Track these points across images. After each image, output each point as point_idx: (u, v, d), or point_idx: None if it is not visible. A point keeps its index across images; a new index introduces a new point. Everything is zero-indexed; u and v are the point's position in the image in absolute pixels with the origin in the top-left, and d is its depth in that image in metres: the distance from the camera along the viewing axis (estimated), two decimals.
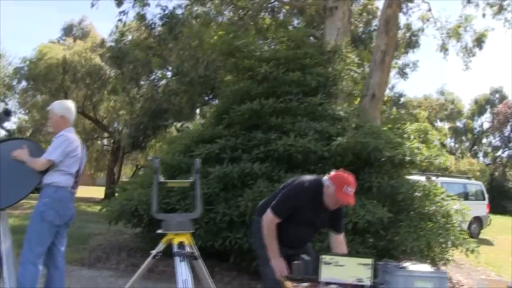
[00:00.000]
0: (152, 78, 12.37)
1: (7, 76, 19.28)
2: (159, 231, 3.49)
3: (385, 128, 7.17)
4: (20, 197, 3.68)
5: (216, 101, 10.64)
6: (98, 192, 23.77)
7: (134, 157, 24.44)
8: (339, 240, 3.32)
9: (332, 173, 3.16)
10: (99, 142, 23.90)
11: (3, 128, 4.17)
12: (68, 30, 32.34)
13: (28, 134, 28.15)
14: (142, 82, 14.17)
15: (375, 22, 14.68)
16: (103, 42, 19.79)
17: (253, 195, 5.59)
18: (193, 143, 7.02)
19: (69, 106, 3.95)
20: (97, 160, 23.07)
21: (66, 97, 19.17)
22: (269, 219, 3.14)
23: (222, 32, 8.13)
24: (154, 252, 3.45)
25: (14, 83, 19.39)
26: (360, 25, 15.23)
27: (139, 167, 21.53)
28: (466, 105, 40.36)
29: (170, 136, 9.37)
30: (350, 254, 3.45)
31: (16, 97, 20.45)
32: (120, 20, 11.82)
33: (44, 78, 17.76)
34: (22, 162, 3.66)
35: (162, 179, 3.90)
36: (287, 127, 6.37)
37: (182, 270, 3.21)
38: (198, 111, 14.56)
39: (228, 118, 6.87)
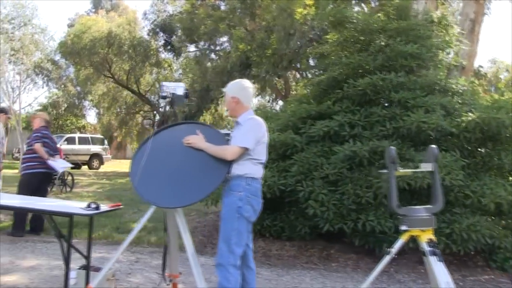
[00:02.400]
0: (222, 49, 11.77)
1: (52, 50, 19.00)
2: (403, 227, 3.15)
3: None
4: (206, 193, 3.26)
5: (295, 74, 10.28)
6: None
7: None
8: None
9: None
10: (142, 115, 23.70)
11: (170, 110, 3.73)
12: (96, 3, 32.03)
13: (62, 109, 28.17)
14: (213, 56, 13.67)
15: None
16: (145, 14, 19.59)
17: None
18: (298, 120, 6.75)
19: (245, 85, 3.46)
20: (139, 134, 22.94)
21: (110, 71, 19.01)
22: None
23: (312, 3, 7.70)
24: (393, 250, 3.13)
25: (57, 57, 19.13)
26: None
27: None
28: None
29: (263, 111, 9.04)
30: None
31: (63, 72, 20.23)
32: None
33: (89, 52, 17.44)
34: (198, 151, 3.30)
35: (400, 169, 3.39)
36: (411, 103, 6.04)
37: (442, 271, 2.93)
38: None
39: (339, 93, 6.55)
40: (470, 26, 9.03)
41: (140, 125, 22.90)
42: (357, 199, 5.56)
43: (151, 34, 19.29)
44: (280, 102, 19.83)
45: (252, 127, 3.30)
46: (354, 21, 6.76)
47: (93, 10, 30.85)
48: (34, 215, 6.33)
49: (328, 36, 7.78)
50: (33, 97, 36.23)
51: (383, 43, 6.43)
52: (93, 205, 3.54)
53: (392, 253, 3.15)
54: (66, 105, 27.22)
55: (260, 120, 3.40)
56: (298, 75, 15.15)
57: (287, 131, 6.58)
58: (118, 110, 20.29)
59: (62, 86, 24.82)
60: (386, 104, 6.30)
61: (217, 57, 11.68)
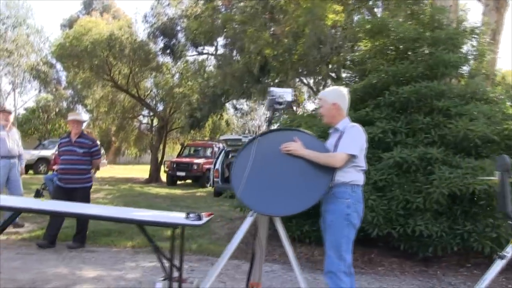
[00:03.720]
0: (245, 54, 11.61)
1: (48, 53, 18.63)
2: None
3: None
4: (313, 201, 3.21)
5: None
6: (139, 171, 23.35)
7: (175, 136, 24.18)
8: None
9: None
10: (140, 119, 23.45)
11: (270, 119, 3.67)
12: (87, 4, 31.59)
13: (53, 113, 27.68)
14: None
15: None
16: (145, 16, 19.44)
17: (442, 181, 5.40)
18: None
19: (343, 92, 3.50)
20: (136, 139, 22.69)
21: (110, 74, 18.78)
22: None
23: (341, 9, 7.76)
24: (509, 255, 3.16)
25: (54, 61, 18.76)
26: None
27: (184, 145, 21.18)
28: None
29: (297, 116, 9.05)
30: None
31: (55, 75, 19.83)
32: None
33: (90, 54, 17.19)
34: (298, 157, 3.29)
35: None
36: (453, 111, 6.14)
37: None
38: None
39: (380, 100, 6.62)
40: (491, 35, 9.19)
41: (138, 130, 22.66)
42: (406, 205, 5.63)
43: (151, 37, 19.13)
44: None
45: (356, 134, 3.34)
46: (393, 29, 6.82)
47: (84, 11, 30.48)
48: (78, 226, 6.19)
49: (361, 44, 7.85)
50: (22, 101, 35.14)
51: (427, 51, 6.50)
52: (192, 215, 3.46)
53: (508, 257, 3.18)
54: (57, 109, 26.82)
55: (361, 127, 3.43)
56: (310, 82, 15.24)
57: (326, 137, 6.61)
58: (116, 114, 19.99)
59: (54, 89, 24.45)
60: (427, 112, 6.37)
61: (236, 61, 11.63)
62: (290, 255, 3.31)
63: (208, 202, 12.42)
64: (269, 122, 3.47)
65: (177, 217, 3.49)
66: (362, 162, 3.35)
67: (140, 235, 6.78)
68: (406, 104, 6.46)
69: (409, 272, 5.63)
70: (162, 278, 3.64)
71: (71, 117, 6.41)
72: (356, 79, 7.68)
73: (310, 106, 18.35)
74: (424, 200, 5.55)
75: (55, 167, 8.89)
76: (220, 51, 19.23)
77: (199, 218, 3.42)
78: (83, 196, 6.07)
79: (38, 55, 18.54)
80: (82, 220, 5.99)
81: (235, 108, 18.14)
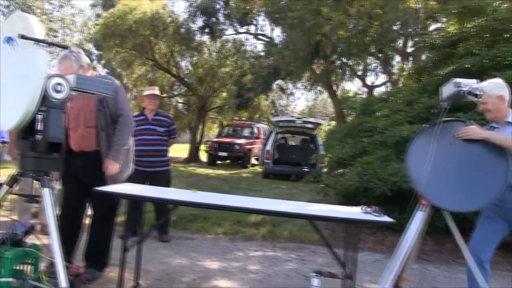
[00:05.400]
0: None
1: (95, 32, 18.54)
2: None
3: None
4: (496, 193, 3.03)
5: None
6: (176, 151, 23.21)
7: (213, 116, 24.11)
8: None
9: None
10: (177, 99, 23.40)
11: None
12: None
13: None
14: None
15: None
16: None
17: None
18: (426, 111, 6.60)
19: (503, 83, 3.32)
20: (175, 118, 22.64)
21: (152, 53, 18.65)
22: None
23: None
24: None
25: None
26: None
27: (224, 126, 21.10)
28: None
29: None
30: None
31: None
32: None
33: (134, 34, 17.05)
34: (474, 145, 3.15)
35: None
36: None
37: None
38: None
39: None
40: None
41: (174, 109, 22.59)
42: None
43: (191, 16, 18.89)
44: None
45: None
46: (491, 10, 6.53)
47: None
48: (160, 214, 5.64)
49: (447, 26, 7.56)
50: None
51: None
52: (369, 209, 3.25)
53: None
54: None
55: None
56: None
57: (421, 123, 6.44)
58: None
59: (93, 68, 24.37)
60: None
61: (302, 42, 11.35)
62: (464, 251, 3.18)
63: (262, 184, 12.37)
64: (442, 112, 3.27)
65: (354, 212, 3.29)
66: None
67: (227, 221, 6.82)
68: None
69: None
70: (315, 274, 3.50)
71: (148, 91, 5.74)
72: (439, 63, 7.40)
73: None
74: None
75: None
76: (264, 31, 19.05)
77: (379, 213, 3.20)
78: (165, 180, 5.59)
79: (83, 34, 18.47)
80: (164, 207, 5.38)
81: (281, 90, 17.91)
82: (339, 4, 10.65)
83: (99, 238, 3.87)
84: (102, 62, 21.61)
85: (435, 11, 10.08)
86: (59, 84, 2.72)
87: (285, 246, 5.90)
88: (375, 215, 3.14)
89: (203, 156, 20.20)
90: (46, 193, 2.71)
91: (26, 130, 2.82)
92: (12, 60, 2.82)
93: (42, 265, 3.13)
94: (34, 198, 2.88)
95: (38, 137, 2.79)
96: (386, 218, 3.09)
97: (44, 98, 2.65)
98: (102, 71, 23.34)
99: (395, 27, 9.89)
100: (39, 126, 2.77)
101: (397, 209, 6.22)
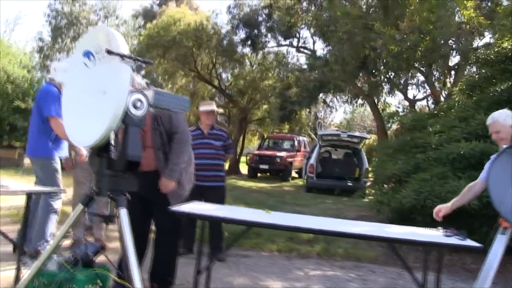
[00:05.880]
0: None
1: (138, 43, 18.91)
2: None
3: None
4: None
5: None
6: None
7: (254, 128, 24.13)
8: None
9: None
10: (217, 111, 23.48)
11: None
12: None
13: None
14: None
15: None
16: (229, 8, 19.34)
17: None
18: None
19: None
20: None
21: (195, 65, 18.80)
22: None
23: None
24: None
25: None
26: None
27: (264, 138, 21.03)
28: None
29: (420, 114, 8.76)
30: None
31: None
32: None
33: (178, 45, 17.25)
34: None
35: None
36: None
37: None
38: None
39: None
40: None
41: (215, 120, 22.63)
42: None
43: (234, 28, 19.01)
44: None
45: None
46: None
47: (157, 1, 30.78)
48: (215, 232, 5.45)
49: (499, 41, 7.28)
50: None
51: None
52: (449, 232, 3.09)
53: None
54: None
55: None
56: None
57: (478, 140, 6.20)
58: (196, 105, 20.11)
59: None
60: None
61: (349, 56, 11.23)
62: None
63: (307, 198, 12.17)
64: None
65: (434, 235, 3.13)
66: None
67: (279, 237, 6.64)
68: None
69: None
70: None
71: (206, 107, 5.66)
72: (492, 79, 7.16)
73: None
74: None
75: None
76: (306, 44, 19.01)
77: (462, 237, 3.02)
78: (220, 196, 5.44)
79: (128, 44, 18.75)
80: (219, 225, 5.34)
81: (324, 103, 17.74)
82: (388, 18, 10.47)
83: (164, 256, 3.77)
84: (142, 72, 21.93)
85: (483, 26, 9.83)
86: (139, 100, 2.62)
87: (342, 265, 5.70)
88: (460, 239, 3.01)
89: (244, 169, 20.14)
90: (123, 213, 2.60)
91: (101, 147, 2.73)
92: (88, 75, 2.74)
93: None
94: (110, 218, 2.78)
95: (113, 154, 2.70)
96: (471, 243, 2.98)
97: (124, 115, 2.56)
98: (142, 81, 23.71)
99: (447, 43, 9.63)
100: (112, 143, 2.69)
101: (458, 227, 5.99)
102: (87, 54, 2.77)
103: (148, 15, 25.99)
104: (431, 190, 6.03)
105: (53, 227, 4.52)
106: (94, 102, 2.63)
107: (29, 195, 3.63)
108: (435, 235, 3.15)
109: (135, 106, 2.62)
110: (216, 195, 5.31)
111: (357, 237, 3.47)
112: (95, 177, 2.75)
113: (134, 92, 2.63)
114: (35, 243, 4.31)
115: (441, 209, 3.51)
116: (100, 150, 2.75)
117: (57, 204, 4.57)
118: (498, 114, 3.51)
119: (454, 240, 3.01)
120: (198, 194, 5.06)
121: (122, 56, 2.44)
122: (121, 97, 2.47)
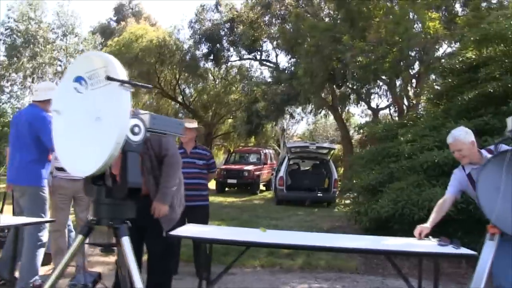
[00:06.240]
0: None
1: None
2: None
3: None
4: None
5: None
6: None
7: (219, 143, 24.02)
8: None
9: None
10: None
11: None
12: (118, 10, 31.47)
13: None
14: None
15: None
16: (191, 23, 19.34)
17: None
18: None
19: (468, 129, 3.67)
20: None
21: (158, 81, 18.64)
22: None
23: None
24: None
25: None
26: None
27: (231, 152, 20.95)
28: None
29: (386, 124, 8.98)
30: None
31: None
32: None
33: (139, 61, 17.07)
34: None
35: None
36: None
37: None
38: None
39: (499, 109, 6.37)
40: None
41: (179, 138, 22.45)
42: None
43: (196, 43, 18.99)
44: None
45: None
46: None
47: (115, 18, 30.42)
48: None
49: (465, 51, 7.59)
50: None
51: None
52: (442, 242, 3.18)
53: None
54: None
55: None
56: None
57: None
58: None
59: None
60: None
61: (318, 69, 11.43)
62: None
63: (279, 211, 12.17)
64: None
65: (429, 245, 3.21)
66: None
67: (260, 253, 6.62)
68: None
69: None
70: None
71: (189, 125, 5.51)
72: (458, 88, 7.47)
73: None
74: None
75: None
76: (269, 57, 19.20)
77: (457, 246, 3.13)
78: (204, 215, 5.38)
79: None
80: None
81: (291, 116, 18.03)
82: (354, 31, 10.73)
83: (159, 280, 3.69)
84: None
85: (443, 36, 10.23)
86: (136, 125, 2.58)
87: (326, 277, 5.73)
88: (454, 247, 3.12)
89: (210, 184, 19.96)
90: (125, 241, 2.54)
91: (98, 176, 2.66)
92: (79, 100, 2.66)
93: None
94: (110, 247, 2.70)
95: (109, 182, 2.64)
96: (466, 250, 3.11)
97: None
98: None
99: (412, 53, 10.01)
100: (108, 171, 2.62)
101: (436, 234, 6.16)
102: (79, 79, 2.70)
103: (105, 32, 25.61)
104: (408, 199, 6.17)
105: (40, 260, 4.27)
106: (91, 129, 2.55)
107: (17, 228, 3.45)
108: (430, 245, 3.22)
109: (133, 132, 2.57)
110: (200, 214, 5.24)
111: (364, 252, 3.52)
112: (93, 206, 2.67)
113: (131, 118, 2.58)
114: (27, 280, 4.05)
115: (422, 230, 3.52)
116: (96, 178, 2.68)
117: (45, 237, 4.33)
118: (457, 133, 3.63)
119: (449, 249, 3.11)
120: (182, 214, 5.06)
121: (122, 82, 2.40)
122: (123, 124, 2.41)
